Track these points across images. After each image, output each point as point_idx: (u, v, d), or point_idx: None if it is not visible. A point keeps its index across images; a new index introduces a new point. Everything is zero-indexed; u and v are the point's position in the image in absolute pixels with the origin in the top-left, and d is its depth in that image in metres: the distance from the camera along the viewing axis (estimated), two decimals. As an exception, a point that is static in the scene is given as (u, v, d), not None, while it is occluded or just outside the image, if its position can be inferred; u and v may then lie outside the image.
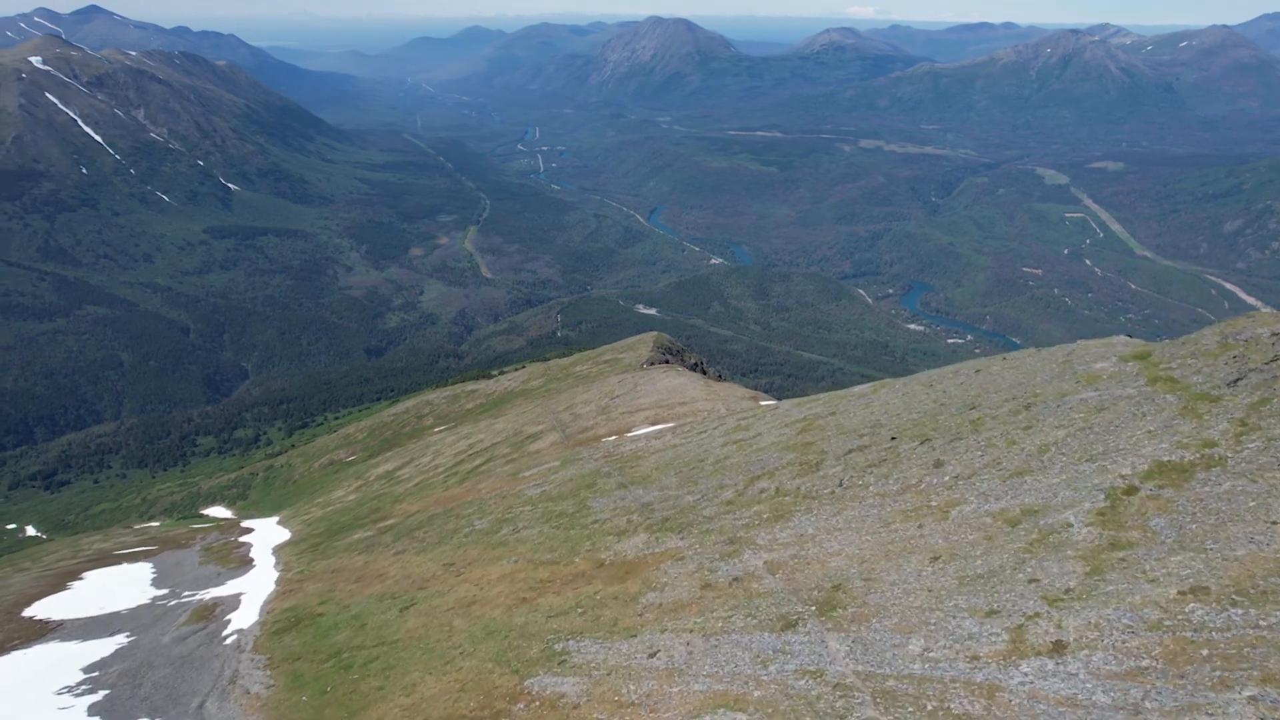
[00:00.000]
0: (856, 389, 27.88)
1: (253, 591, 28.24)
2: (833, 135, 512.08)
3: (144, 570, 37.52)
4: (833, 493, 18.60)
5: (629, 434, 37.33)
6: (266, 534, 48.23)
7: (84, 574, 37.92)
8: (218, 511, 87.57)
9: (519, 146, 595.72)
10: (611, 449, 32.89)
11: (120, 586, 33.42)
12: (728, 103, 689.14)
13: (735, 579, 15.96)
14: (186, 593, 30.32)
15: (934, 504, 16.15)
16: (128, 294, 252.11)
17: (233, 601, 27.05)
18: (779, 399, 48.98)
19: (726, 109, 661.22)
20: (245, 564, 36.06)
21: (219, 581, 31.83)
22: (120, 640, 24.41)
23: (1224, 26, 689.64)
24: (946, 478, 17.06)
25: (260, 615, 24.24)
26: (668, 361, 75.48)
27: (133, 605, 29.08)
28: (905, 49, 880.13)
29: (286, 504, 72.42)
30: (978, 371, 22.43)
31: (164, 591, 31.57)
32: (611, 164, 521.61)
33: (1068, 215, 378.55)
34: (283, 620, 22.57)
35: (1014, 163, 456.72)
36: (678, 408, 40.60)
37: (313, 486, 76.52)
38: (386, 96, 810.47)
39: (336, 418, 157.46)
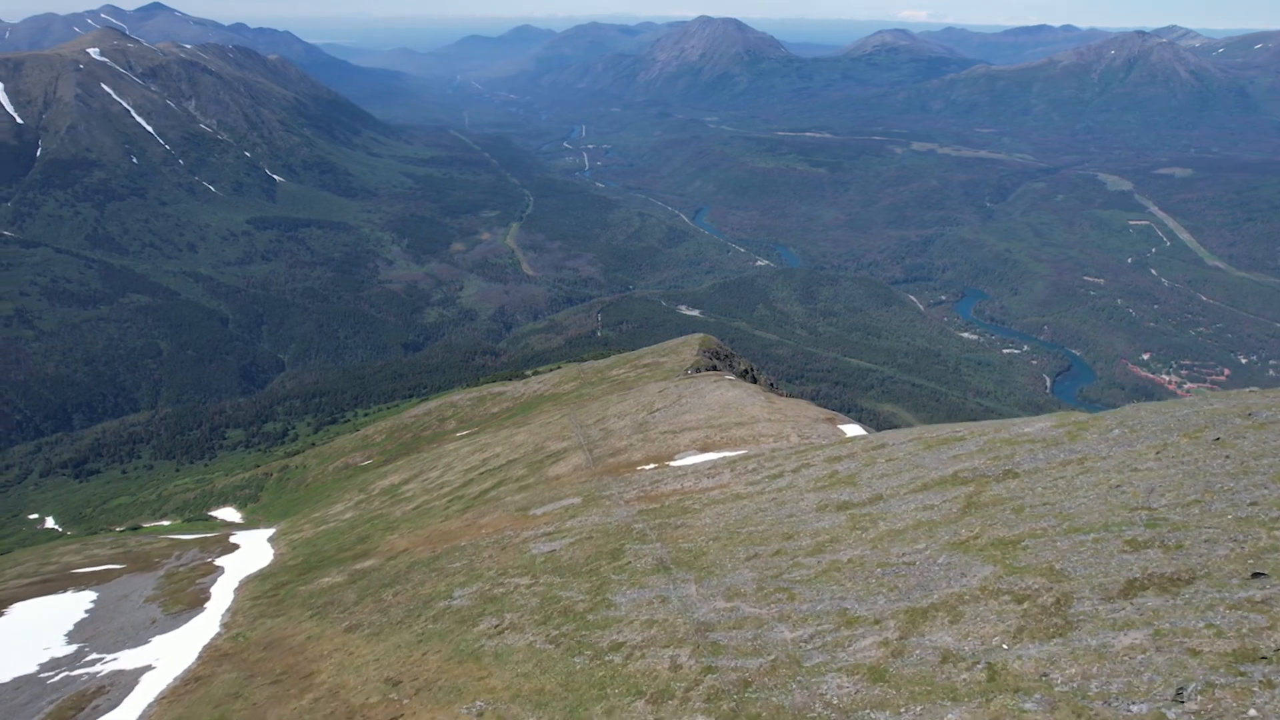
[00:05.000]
0: (1028, 428, 17.77)
1: (163, 667, 21.22)
2: (884, 137, 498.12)
3: (77, 607, 30.95)
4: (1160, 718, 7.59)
5: (671, 462, 29.51)
6: (247, 555, 41.69)
7: (10, 607, 31.52)
8: (226, 513, 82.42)
9: (565, 144, 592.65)
10: (648, 486, 25.12)
11: (28, 635, 26.83)
12: (776, 103, 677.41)
13: None
14: (90, 656, 23.49)
15: None
16: (170, 283, 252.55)
17: (124, 686, 20.04)
18: (854, 418, 40.73)
19: (775, 110, 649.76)
20: (193, 606, 29.23)
21: (142, 638, 24.96)
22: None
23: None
24: None
25: (130, 731, 17.24)
26: (715, 368, 67.31)
27: (10, 678, 22.35)
28: (960, 51, 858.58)
29: (291, 511, 66.52)
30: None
31: (70, 650, 24.80)
32: (657, 163, 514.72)
33: (1132, 223, 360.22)
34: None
35: (1074, 168, 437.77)
36: (734, 430, 32.58)
37: (320, 493, 70.35)
38: (435, 93, 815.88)
39: (365, 414, 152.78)
